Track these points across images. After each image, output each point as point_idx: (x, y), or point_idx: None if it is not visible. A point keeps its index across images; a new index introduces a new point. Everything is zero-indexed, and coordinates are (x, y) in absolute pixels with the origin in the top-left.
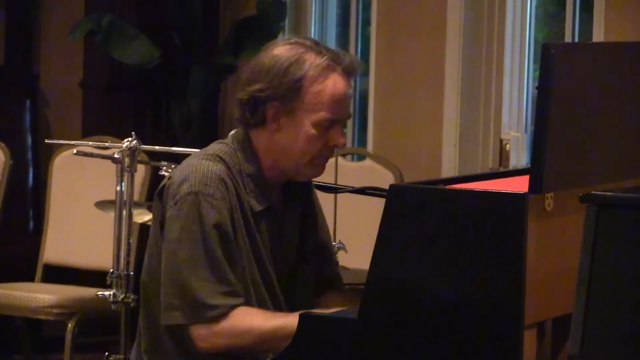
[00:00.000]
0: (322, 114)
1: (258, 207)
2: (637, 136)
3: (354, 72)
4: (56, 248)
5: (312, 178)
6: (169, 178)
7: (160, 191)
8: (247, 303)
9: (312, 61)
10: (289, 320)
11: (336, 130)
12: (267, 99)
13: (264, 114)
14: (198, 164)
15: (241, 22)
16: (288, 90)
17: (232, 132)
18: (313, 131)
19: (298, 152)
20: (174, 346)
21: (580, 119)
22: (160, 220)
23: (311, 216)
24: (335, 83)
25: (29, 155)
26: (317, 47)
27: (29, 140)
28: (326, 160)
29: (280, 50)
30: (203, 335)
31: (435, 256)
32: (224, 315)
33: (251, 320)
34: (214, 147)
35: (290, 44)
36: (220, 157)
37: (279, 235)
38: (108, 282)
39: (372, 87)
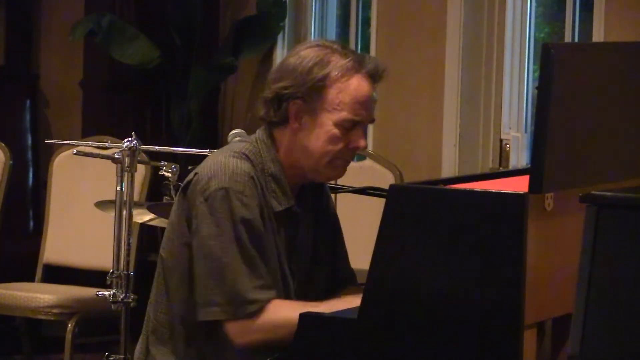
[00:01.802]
0: (344, 114)
1: (278, 208)
2: (637, 136)
3: (379, 76)
4: (56, 248)
5: (331, 180)
6: (195, 174)
7: (185, 187)
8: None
9: (337, 61)
10: (324, 310)
11: (357, 132)
12: (290, 96)
13: (286, 111)
14: (226, 161)
15: (241, 22)
16: (311, 89)
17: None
18: (335, 131)
19: (318, 151)
20: (185, 341)
21: (580, 119)
22: (187, 217)
23: (324, 219)
24: (358, 84)
25: (29, 155)
26: (344, 49)
27: (29, 140)
28: (347, 163)
29: (307, 51)
30: (240, 330)
31: (435, 256)
32: (261, 309)
33: (286, 312)
34: (239, 145)
35: (318, 45)
36: (247, 156)
37: (295, 236)
38: (108, 282)
39: None
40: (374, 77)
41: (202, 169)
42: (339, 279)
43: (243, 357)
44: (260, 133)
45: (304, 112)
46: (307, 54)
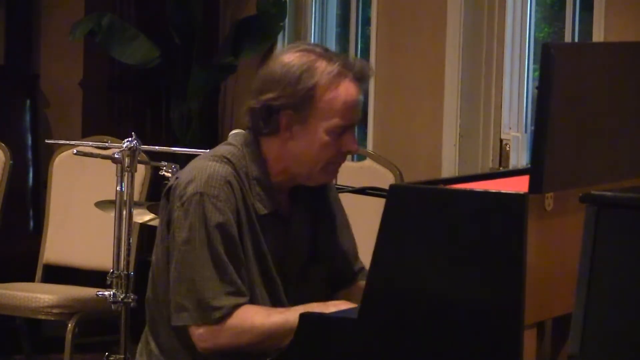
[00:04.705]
0: (335, 121)
1: (263, 211)
2: (637, 136)
3: (365, 77)
4: (56, 248)
5: (324, 183)
6: (176, 178)
7: (167, 191)
8: (252, 303)
9: (324, 69)
10: (289, 316)
11: (349, 136)
12: (280, 107)
13: (277, 122)
14: (205, 165)
15: (241, 22)
16: (301, 99)
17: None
18: (326, 138)
19: (312, 159)
20: (181, 345)
21: (580, 119)
22: (167, 220)
23: (325, 218)
24: (347, 90)
25: (29, 155)
26: (327, 54)
27: (29, 140)
28: (339, 166)
29: (291, 58)
30: (204, 335)
31: (435, 256)
32: (227, 315)
33: (252, 318)
34: (222, 148)
35: (300, 51)
36: (228, 159)
37: (285, 239)
38: (108, 282)
39: (372, 87)
40: (361, 80)
41: (183, 173)
42: (338, 277)
43: (229, 354)
44: (246, 138)
45: (295, 122)
46: (292, 62)
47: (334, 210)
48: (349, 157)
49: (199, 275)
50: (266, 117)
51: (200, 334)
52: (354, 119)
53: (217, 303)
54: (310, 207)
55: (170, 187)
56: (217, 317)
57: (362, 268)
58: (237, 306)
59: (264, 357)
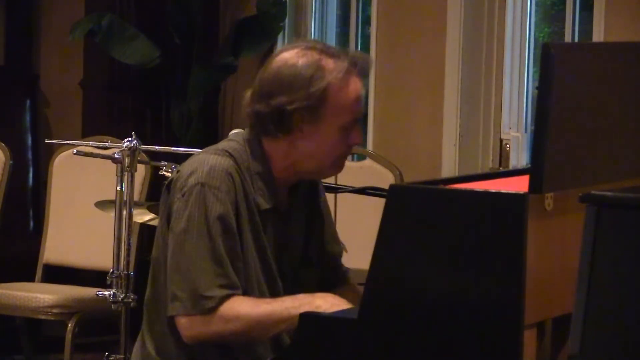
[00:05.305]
0: (347, 117)
1: (265, 205)
2: (637, 136)
3: (368, 71)
4: (56, 248)
5: (333, 176)
6: (177, 172)
7: (169, 184)
8: (252, 296)
9: (333, 68)
10: (276, 307)
11: (356, 129)
12: (294, 111)
13: (290, 124)
14: (206, 158)
15: (241, 22)
16: (316, 100)
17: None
18: (338, 134)
19: (324, 155)
20: (178, 346)
21: (580, 119)
22: (168, 213)
23: (317, 218)
24: (355, 85)
25: (29, 155)
26: (329, 50)
27: (29, 140)
28: (345, 158)
29: (295, 59)
30: (191, 323)
31: (435, 256)
32: (217, 305)
33: (238, 307)
34: (224, 144)
35: (302, 50)
36: (229, 153)
37: (283, 235)
38: (108, 282)
39: (372, 87)
40: (364, 73)
41: (184, 166)
42: (329, 280)
43: (226, 355)
44: (247, 136)
45: (307, 122)
46: (299, 63)
47: (325, 212)
48: (348, 157)
49: (195, 265)
50: (278, 120)
51: (186, 322)
52: (361, 111)
53: (209, 293)
54: (306, 205)
55: (171, 181)
56: (209, 307)
57: (348, 270)
58: (228, 296)
59: (263, 358)
